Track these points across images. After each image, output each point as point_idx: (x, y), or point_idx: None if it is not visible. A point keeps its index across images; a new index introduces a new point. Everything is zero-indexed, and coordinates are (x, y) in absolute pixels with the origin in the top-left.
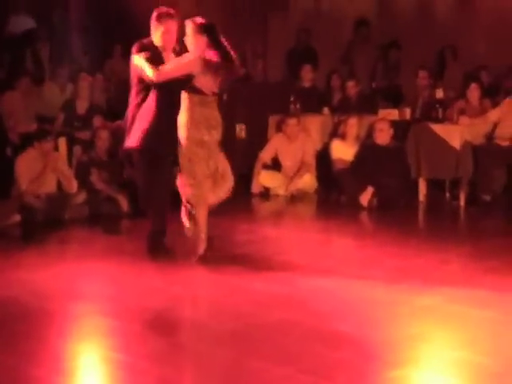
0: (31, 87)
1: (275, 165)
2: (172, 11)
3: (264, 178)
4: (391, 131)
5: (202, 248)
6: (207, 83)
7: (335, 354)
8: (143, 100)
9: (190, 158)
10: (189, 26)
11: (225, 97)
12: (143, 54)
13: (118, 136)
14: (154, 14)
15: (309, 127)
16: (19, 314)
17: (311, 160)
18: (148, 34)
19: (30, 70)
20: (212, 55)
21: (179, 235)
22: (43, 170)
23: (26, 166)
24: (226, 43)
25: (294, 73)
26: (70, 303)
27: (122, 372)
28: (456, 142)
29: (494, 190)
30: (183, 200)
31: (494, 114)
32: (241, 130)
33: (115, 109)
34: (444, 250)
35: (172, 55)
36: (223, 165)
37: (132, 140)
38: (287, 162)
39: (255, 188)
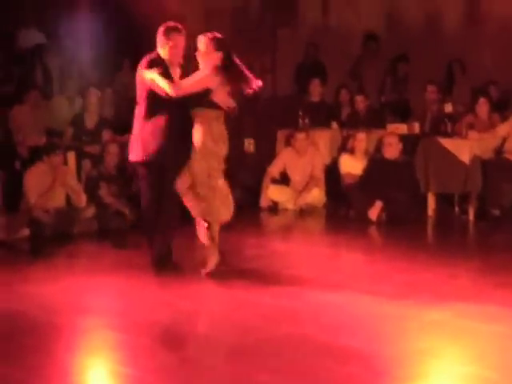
0: (40, 101)
1: (284, 179)
2: (180, 26)
3: (272, 192)
4: (400, 145)
5: (214, 263)
6: (224, 98)
7: (344, 368)
8: (151, 114)
9: (209, 174)
10: (203, 42)
11: (233, 112)
12: (156, 69)
13: (127, 150)
14: (162, 29)
15: (317, 141)
16: (27, 327)
17: (320, 174)
18: (155, 48)
19: (40, 83)
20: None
21: (187, 249)
22: (52, 184)
23: (35, 180)
24: (238, 60)
25: (302, 87)
26: (78, 317)
27: None
28: (465, 157)
29: (503, 205)
30: (198, 217)
31: (502, 129)
32: (249, 144)
33: (124, 123)
34: (453, 265)
35: (178, 70)
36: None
37: (138, 154)
38: (296, 177)
39: (264, 202)
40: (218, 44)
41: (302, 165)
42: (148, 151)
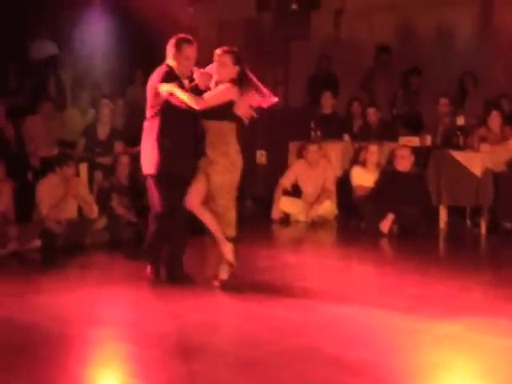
0: (53, 112)
1: (295, 191)
2: (191, 38)
3: (284, 204)
4: (412, 158)
5: (226, 274)
6: (246, 109)
7: (355, 381)
8: (165, 127)
9: (232, 185)
10: (223, 55)
11: (246, 123)
12: (174, 83)
13: (139, 162)
14: (173, 41)
15: (329, 154)
16: (39, 339)
17: (332, 186)
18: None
19: (52, 95)
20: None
21: (198, 261)
22: (64, 196)
23: (47, 191)
24: (252, 74)
25: (314, 99)
26: (89, 328)
27: None
28: (477, 170)
29: None
30: (219, 234)
31: None
32: (261, 156)
33: (136, 134)
34: (464, 278)
35: (186, 82)
36: None
37: (152, 167)
38: (308, 189)
39: (275, 214)
40: (236, 58)
41: (313, 177)
42: (163, 164)
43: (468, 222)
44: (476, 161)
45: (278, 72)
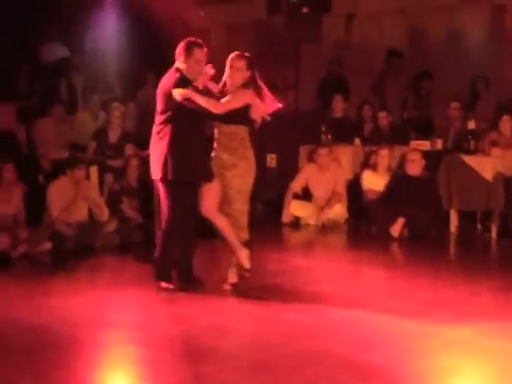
0: (64, 115)
1: (306, 195)
2: (201, 41)
3: (295, 208)
4: (423, 162)
5: (236, 278)
6: (260, 114)
7: None
8: (178, 132)
9: (249, 188)
10: (238, 60)
11: (257, 127)
12: (191, 88)
13: (149, 164)
14: (183, 44)
15: (340, 157)
16: (49, 341)
17: (342, 190)
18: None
19: (64, 98)
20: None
21: (208, 264)
22: (74, 198)
23: (58, 193)
24: (261, 81)
25: (325, 103)
26: (99, 331)
27: None
28: (488, 174)
29: None
30: (235, 241)
31: None
32: (272, 160)
33: (146, 137)
34: (475, 283)
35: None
36: None
37: (163, 172)
38: (318, 192)
39: (286, 218)
40: (250, 63)
41: (324, 180)
42: (176, 170)
43: (479, 227)
44: (487, 165)
45: (289, 75)
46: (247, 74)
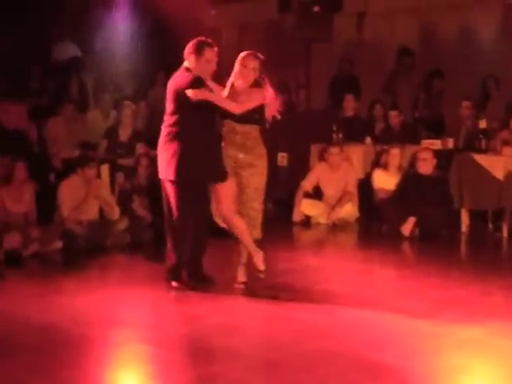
0: (75, 114)
1: (317, 193)
2: (210, 40)
3: (305, 207)
4: (434, 161)
5: (245, 276)
6: (272, 113)
7: None
8: (190, 133)
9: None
10: (253, 59)
11: (267, 126)
12: (206, 88)
13: None
14: (193, 44)
15: (351, 156)
16: (59, 340)
17: (353, 189)
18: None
19: (75, 97)
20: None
21: (219, 262)
22: (85, 197)
23: (69, 192)
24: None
25: (336, 102)
26: (110, 330)
27: None
28: (499, 173)
29: None
30: (251, 242)
31: None
32: (283, 158)
33: (157, 136)
34: (486, 282)
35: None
36: None
37: (174, 172)
38: (329, 191)
39: (296, 216)
40: (262, 63)
41: (335, 179)
42: (187, 171)
43: (490, 226)
44: (498, 164)
45: (300, 74)
46: (258, 73)
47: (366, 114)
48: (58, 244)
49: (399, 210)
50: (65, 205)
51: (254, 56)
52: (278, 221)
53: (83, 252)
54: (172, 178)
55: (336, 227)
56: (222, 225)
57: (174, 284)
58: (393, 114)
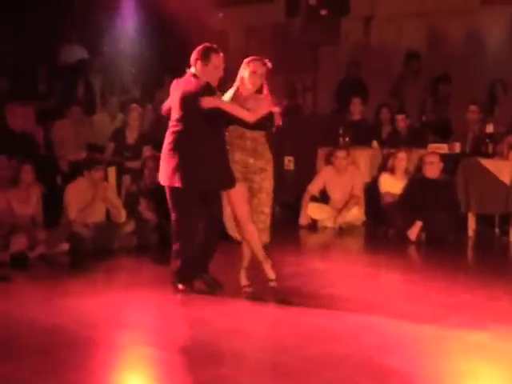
0: (82, 116)
1: (323, 197)
2: (216, 46)
3: (312, 210)
4: (441, 165)
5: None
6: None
7: None
8: (198, 139)
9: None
10: (262, 65)
11: (274, 129)
12: (218, 95)
13: None
14: (200, 50)
15: (358, 160)
16: (65, 342)
17: (360, 193)
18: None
19: (82, 99)
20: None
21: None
22: (92, 200)
23: (76, 195)
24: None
25: (343, 106)
26: (116, 332)
27: None
28: (506, 177)
29: None
30: (261, 250)
31: None
32: (289, 162)
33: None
34: (493, 287)
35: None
36: None
37: (180, 180)
38: (336, 195)
39: (303, 220)
40: (269, 70)
41: (341, 183)
42: (195, 177)
43: (497, 230)
44: (505, 168)
45: (307, 78)
46: (264, 80)
47: (372, 117)
48: (65, 246)
49: (406, 214)
50: (71, 207)
51: (262, 62)
52: (285, 224)
53: (89, 254)
54: (179, 185)
55: (342, 231)
56: (232, 232)
57: (181, 287)
58: (400, 117)
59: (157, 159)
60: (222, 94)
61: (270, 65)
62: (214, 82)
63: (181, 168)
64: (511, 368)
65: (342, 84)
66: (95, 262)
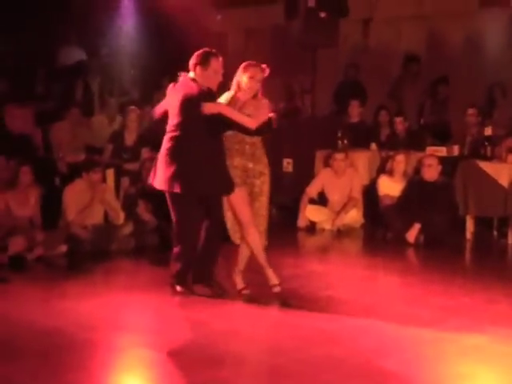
0: (80, 118)
1: (322, 199)
2: (215, 50)
3: (310, 213)
4: (439, 167)
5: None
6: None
7: None
8: (199, 145)
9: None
10: (262, 71)
11: (274, 126)
12: (222, 102)
13: None
14: (199, 55)
15: (356, 162)
16: (63, 344)
17: (358, 195)
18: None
19: (80, 101)
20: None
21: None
22: (91, 201)
23: (74, 196)
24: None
25: (341, 108)
26: (114, 334)
27: None
28: (504, 180)
29: None
30: (264, 256)
31: None
32: (288, 164)
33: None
34: (491, 290)
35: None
36: None
37: (180, 185)
38: (334, 197)
39: (301, 222)
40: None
41: (340, 185)
42: (194, 183)
43: (495, 233)
44: (504, 171)
45: (305, 80)
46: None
47: (371, 120)
48: (63, 248)
49: (404, 216)
50: (70, 209)
51: (261, 68)
52: (283, 226)
53: (88, 256)
54: (178, 191)
55: (341, 233)
56: (234, 238)
57: (179, 289)
58: (398, 120)
59: (155, 161)
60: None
61: (267, 70)
62: (214, 87)
63: (180, 174)
64: (509, 371)
65: (340, 86)
66: (93, 263)
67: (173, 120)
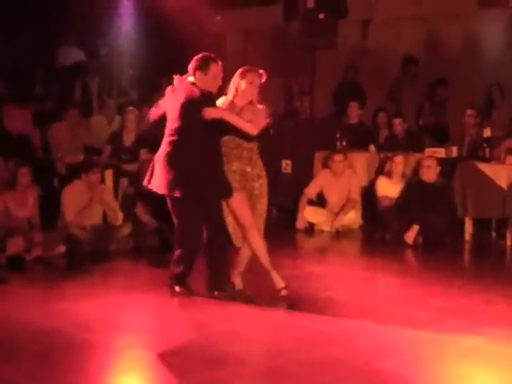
0: (79, 119)
1: (320, 200)
2: (214, 55)
3: (309, 214)
4: (438, 168)
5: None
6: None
7: None
8: (200, 149)
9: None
10: (260, 78)
11: (271, 132)
12: (224, 107)
13: None
14: (198, 60)
15: (355, 164)
16: (62, 345)
17: (357, 196)
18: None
19: (79, 101)
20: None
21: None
22: (89, 202)
23: (73, 197)
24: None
25: (340, 109)
26: (113, 335)
27: None
28: (503, 182)
29: None
30: (267, 259)
31: None
32: (286, 166)
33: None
34: (489, 291)
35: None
36: None
37: (180, 189)
38: (333, 198)
39: (300, 223)
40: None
41: (338, 187)
42: (194, 188)
43: (493, 234)
44: (502, 173)
45: (304, 81)
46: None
47: (370, 121)
48: (62, 249)
49: (402, 217)
50: (68, 210)
51: (258, 74)
52: (282, 228)
53: (86, 257)
54: (178, 195)
55: (339, 234)
56: (236, 241)
57: (178, 289)
58: (397, 121)
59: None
60: None
61: (265, 76)
62: (213, 91)
63: (180, 178)
64: (507, 372)
65: (339, 88)
66: (92, 264)
67: (172, 124)
